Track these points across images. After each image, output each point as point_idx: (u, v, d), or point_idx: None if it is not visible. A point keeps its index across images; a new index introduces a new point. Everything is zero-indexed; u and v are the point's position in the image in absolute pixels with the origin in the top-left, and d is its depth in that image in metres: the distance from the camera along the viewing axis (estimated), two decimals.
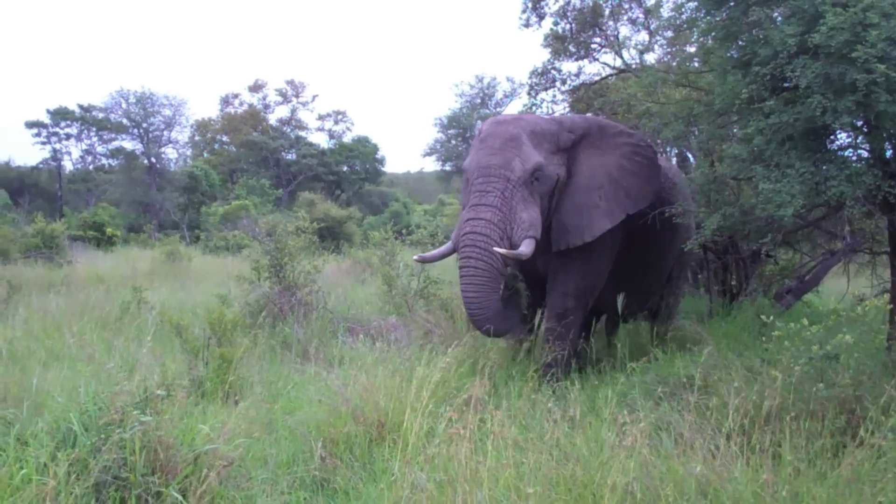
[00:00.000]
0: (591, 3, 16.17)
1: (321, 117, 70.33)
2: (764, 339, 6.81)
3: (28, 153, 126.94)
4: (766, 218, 7.95)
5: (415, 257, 8.95)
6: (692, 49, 13.01)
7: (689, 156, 15.21)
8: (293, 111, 69.57)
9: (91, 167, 62.38)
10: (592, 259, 8.78)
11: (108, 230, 36.22)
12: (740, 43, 8.07)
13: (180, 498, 4.59)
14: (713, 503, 4.54)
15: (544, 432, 5.37)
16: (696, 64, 10.72)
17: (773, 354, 6.67)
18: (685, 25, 9.72)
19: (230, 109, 69.89)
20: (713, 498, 4.56)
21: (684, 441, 5.16)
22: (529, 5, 16.88)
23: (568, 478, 4.72)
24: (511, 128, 8.35)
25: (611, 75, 16.69)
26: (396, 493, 4.70)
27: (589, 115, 10.90)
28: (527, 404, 6.11)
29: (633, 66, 15.57)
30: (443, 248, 8.62)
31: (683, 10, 9.42)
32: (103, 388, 5.54)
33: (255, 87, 69.61)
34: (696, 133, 10.95)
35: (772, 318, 6.46)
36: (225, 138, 68.77)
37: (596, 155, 8.76)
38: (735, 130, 9.57)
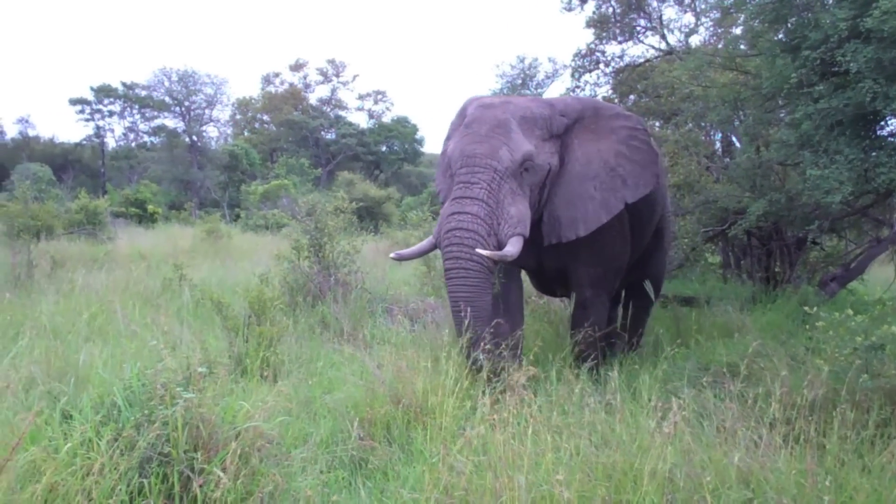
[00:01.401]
0: None
1: (361, 97, 70.57)
2: (808, 327, 6.71)
3: (72, 130, 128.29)
4: (812, 204, 7.88)
5: (391, 255, 7.89)
6: (739, 32, 12.85)
7: (735, 140, 15.04)
8: (333, 91, 69.74)
9: (133, 144, 62.95)
10: (602, 245, 8.08)
11: (150, 207, 36.60)
12: (789, 26, 7.96)
13: (222, 474, 4.60)
14: (755, 492, 4.48)
15: (583, 418, 5.33)
16: (744, 47, 10.56)
17: (817, 343, 6.59)
18: (732, 7, 9.60)
19: (271, 88, 70.20)
20: (755, 487, 4.50)
21: (726, 430, 5.09)
22: None
23: (607, 464, 4.68)
24: (499, 112, 7.50)
25: (655, 58, 16.55)
26: (435, 475, 4.67)
27: (587, 97, 10.21)
28: (566, 389, 6.07)
29: (678, 49, 15.42)
30: (423, 244, 7.70)
31: None
32: (146, 364, 5.56)
33: (296, 67, 69.82)
34: (743, 117, 10.83)
35: (816, 307, 6.35)
36: (265, 117, 69.13)
37: (591, 140, 7.97)
38: (783, 115, 9.45)
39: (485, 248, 6.89)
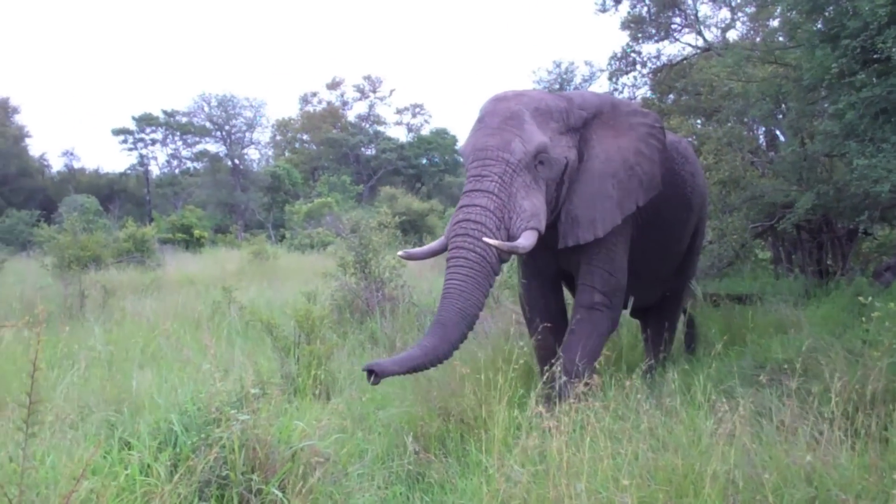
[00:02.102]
0: None
1: (399, 111, 70.84)
2: (864, 319, 6.61)
3: (116, 160, 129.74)
4: (861, 194, 7.75)
5: (399, 253, 7.37)
6: (777, 24, 12.73)
7: (779, 134, 14.89)
8: (371, 106, 70.14)
9: (177, 171, 63.73)
10: (615, 251, 7.56)
11: (196, 232, 37.00)
12: (827, 15, 7.87)
13: (280, 495, 4.61)
14: (818, 490, 4.41)
15: (640, 422, 5.28)
16: (782, 39, 10.47)
17: (874, 336, 6.48)
18: (768, 0, 9.51)
19: (309, 108, 70.78)
20: (818, 484, 4.43)
21: (786, 428, 5.03)
22: None
23: (667, 467, 4.63)
24: (512, 104, 7.05)
25: (693, 55, 16.43)
26: (492, 486, 4.65)
27: (603, 93, 9.75)
28: (620, 393, 6.01)
29: (716, 45, 15.30)
30: (434, 244, 7.14)
31: None
32: (200, 388, 5.60)
33: (333, 85, 70.31)
34: (785, 111, 10.73)
35: (871, 298, 6.24)
36: (305, 137, 69.68)
37: (610, 136, 7.51)
38: (825, 106, 9.34)
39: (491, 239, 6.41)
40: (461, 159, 7.45)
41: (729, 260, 12.81)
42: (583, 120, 7.38)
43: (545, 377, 6.16)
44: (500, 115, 6.96)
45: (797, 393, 5.36)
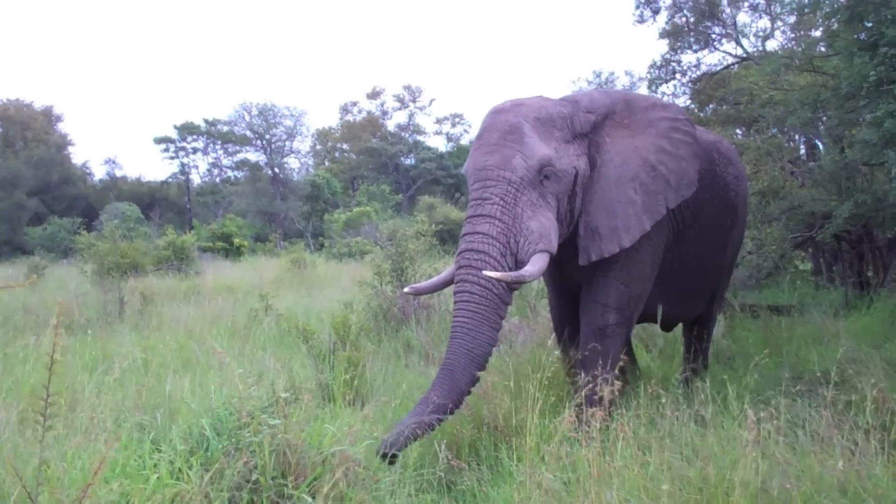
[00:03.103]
0: None
1: (439, 121, 71.12)
2: None
3: (157, 168, 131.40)
4: None
5: (406, 289, 6.98)
6: (817, 33, 12.65)
7: (818, 143, 14.77)
8: (411, 116, 70.35)
9: (217, 179, 64.22)
10: (637, 261, 6.99)
11: (236, 240, 37.26)
12: (867, 24, 7.79)
13: (310, 500, 4.61)
14: (852, 500, 4.36)
15: (672, 431, 5.23)
16: (822, 48, 10.39)
17: None
18: (808, 9, 9.45)
19: (349, 117, 71.11)
20: (853, 496, 4.37)
21: (821, 438, 4.96)
22: (643, 0, 16.75)
23: (699, 476, 4.59)
24: (510, 116, 6.53)
25: (732, 64, 16.37)
26: (524, 494, 4.63)
27: (616, 89, 9.06)
28: (653, 402, 5.96)
29: (755, 54, 15.21)
30: (442, 275, 6.72)
31: None
32: (233, 393, 5.62)
33: (373, 94, 70.58)
34: (824, 119, 10.64)
35: None
36: (345, 146, 69.99)
37: (626, 137, 6.92)
38: (864, 115, 9.25)
39: (497, 270, 6.01)
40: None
41: (768, 271, 12.70)
42: (591, 124, 6.84)
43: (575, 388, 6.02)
44: (499, 129, 6.50)
45: (833, 403, 5.30)
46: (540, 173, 6.29)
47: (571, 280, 7.23)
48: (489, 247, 6.07)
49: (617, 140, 6.88)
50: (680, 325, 8.84)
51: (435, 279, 6.76)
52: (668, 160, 6.88)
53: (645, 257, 7.01)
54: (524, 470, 4.91)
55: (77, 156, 69.45)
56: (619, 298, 6.88)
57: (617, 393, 5.38)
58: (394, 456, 5.37)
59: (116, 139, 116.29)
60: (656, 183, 6.80)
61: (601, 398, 5.31)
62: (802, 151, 15.47)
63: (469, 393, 5.91)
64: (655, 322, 7.89)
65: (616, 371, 6.11)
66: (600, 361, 6.24)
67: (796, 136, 15.02)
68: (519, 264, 6.14)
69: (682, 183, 6.89)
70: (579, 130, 6.73)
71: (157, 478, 4.68)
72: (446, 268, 6.78)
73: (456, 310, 6.10)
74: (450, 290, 6.47)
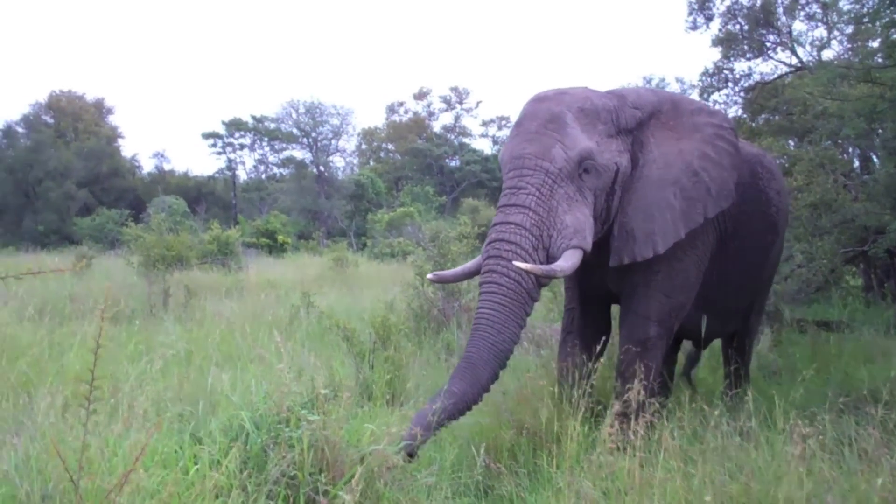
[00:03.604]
0: (761, 1, 15.71)
1: (485, 123, 71.04)
2: None
3: (205, 163, 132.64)
4: None
5: (429, 276, 6.83)
6: (875, 44, 12.45)
7: (873, 155, 14.56)
8: (457, 118, 70.47)
9: (263, 176, 64.70)
10: (679, 270, 6.68)
11: (280, 237, 37.53)
12: None
13: (347, 497, 4.59)
14: None
15: (716, 444, 5.15)
16: (879, 59, 10.21)
17: None
18: (867, 19, 9.30)
19: (395, 118, 71.41)
20: None
21: (868, 457, 4.86)
22: (696, 7, 16.64)
23: (742, 492, 4.51)
24: (553, 105, 6.21)
25: (786, 73, 16.18)
26: (562, 502, 4.58)
27: (663, 90, 8.53)
28: (696, 414, 5.88)
29: (810, 64, 15.03)
30: (469, 264, 6.45)
31: (865, 2, 8.99)
32: (273, 388, 5.61)
33: (420, 95, 70.83)
34: (880, 131, 10.47)
35: None
36: (390, 146, 70.27)
37: (671, 139, 6.60)
38: None
39: (527, 262, 5.73)
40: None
41: (818, 285, 12.54)
42: (637, 120, 6.54)
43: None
44: (540, 117, 6.20)
45: (882, 422, 5.19)
46: (580, 166, 6.01)
47: (598, 285, 6.86)
48: (521, 238, 5.81)
49: (661, 141, 6.59)
50: (718, 341, 8.59)
51: (461, 268, 6.53)
52: (711, 167, 6.58)
53: (689, 266, 6.73)
54: (563, 477, 4.86)
55: (126, 148, 70.30)
56: (660, 310, 6.60)
57: (658, 404, 5.31)
58: (414, 450, 5.24)
59: (165, 133, 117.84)
60: (697, 189, 6.50)
61: (643, 409, 5.23)
62: (856, 164, 15.27)
63: (489, 390, 5.71)
64: (689, 338, 7.75)
65: (657, 382, 6.16)
66: (642, 373, 5.88)
67: (850, 148, 14.83)
68: (550, 259, 5.87)
69: (722, 193, 6.58)
70: (624, 126, 6.44)
71: (197, 468, 4.68)
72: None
73: (482, 300, 5.83)
74: None
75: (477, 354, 5.61)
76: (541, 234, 5.83)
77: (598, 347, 6.51)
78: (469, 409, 5.60)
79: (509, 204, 5.96)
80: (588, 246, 5.96)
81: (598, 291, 6.93)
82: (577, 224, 5.92)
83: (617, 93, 6.65)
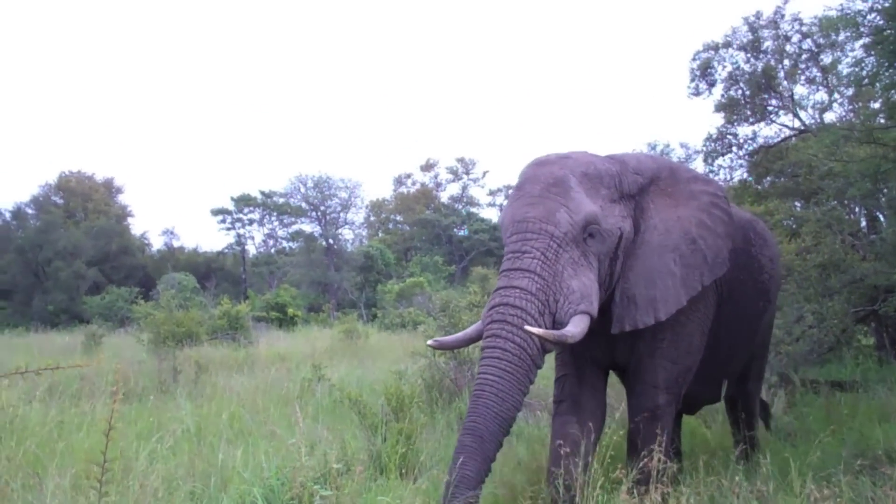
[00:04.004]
0: (762, 67, 15.87)
1: (492, 192, 71.37)
2: None
3: (214, 239, 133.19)
4: None
5: (429, 342, 6.53)
6: (876, 105, 12.54)
7: (879, 215, 14.57)
8: (464, 188, 70.98)
9: (272, 250, 64.90)
10: (684, 336, 6.61)
11: (290, 310, 37.54)
12: None
13: None
14: None
15: None
16: (881, 119, 10.27)
17: None
18: (867, 81, 9.38)
19: (403, 189, 71.99)
20: None
21: None
22: (698, 73, 16.82)
23: None
24: (556, 169, 6.15)
25: (790, 137, 16.27)
26: None
27: (659, 155, 8.34)
28: (713, 479, 5.82)
29: (813, 126, 15.12)
30: (468, 330, 6.28)
31: (864, 65, 9.08)
32: (285, 463, 5.58)
33: (427, 167, 71.44)
34: (885, 191, 10.50)
35: None
36: (399, 217, 70.65)
37: (669, 206, 6.58)
38: None
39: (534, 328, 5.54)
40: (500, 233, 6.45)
41: (830, 345, 12.47)
42: (638, 186, 6.50)
43: (554, 478, 5.76)
44: (543, 181, 6.08)
45: None
46: (584, 230, 5.89)
47: (598, 352, 6.63)
48: (527, 303, 5.63)
49: (661, 208, 6.54)
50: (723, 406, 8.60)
51: (462, 333, 6.37)
52: (708, 235, 6.55)
53: (693, 330, 6.68)
54: None
55: (136, 226, 70.78)
56: (667, 377, 6.51)
57: (674, 469, 5.24)
58: None
59: (175, 210, 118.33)
60: (695, 257, 6.45)
61: (658, 477, 5.16)
62: (863, 224, 15.27)
63: (494, 459, 5.53)
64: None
65: (669, 449, 5.96)
66: (653, 442, 5.88)
67: (856, 209, 14.85)
68: (556, 325, 5.69)
69: (717, 261, 6.55)
70: (626, 191, 6.39)
71: None
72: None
73: (484, 366, 5.62)
74: None
75: (483, 426, 5.43)
76: (547, 300, 5.68)
77: (596, 423, 6.36)
78: (481, 485, 5.42)
79: (513, 268, 5.81)
80: (595, 311, 5.81)
81: (595, 359, 6.70)
82: (583, 289, 5.78)
83: (618, 158, 6.61)
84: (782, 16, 16.15)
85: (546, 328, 5.61)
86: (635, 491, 4.99)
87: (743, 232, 7.32)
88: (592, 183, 6.13)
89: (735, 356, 7.66)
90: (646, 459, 5.61)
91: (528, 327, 5.47)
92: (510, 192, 6.53)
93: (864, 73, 9.14)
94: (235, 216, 61.86)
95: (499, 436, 5.46)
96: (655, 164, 6.77)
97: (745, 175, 17.50)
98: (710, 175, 17.08)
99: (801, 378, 11.29)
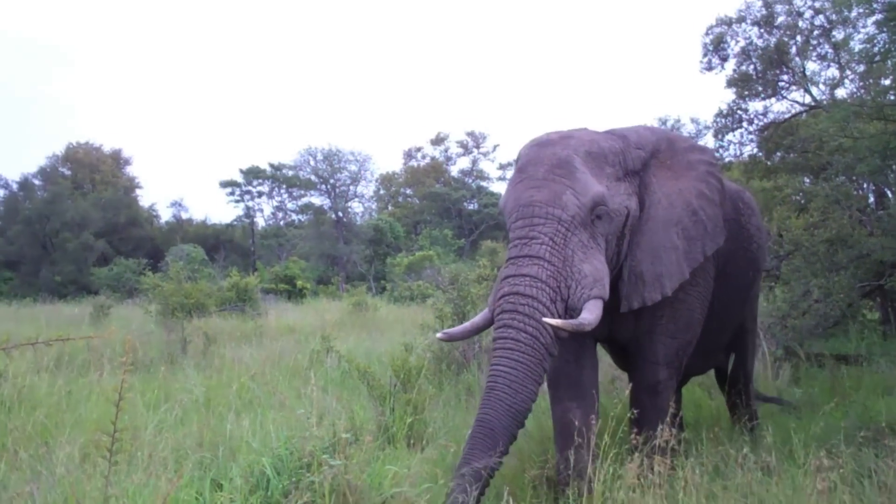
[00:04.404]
0: (775, 42, 15.78)
1: (502, 167, 71.23)
2: None
3: (223, 211, 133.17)
4: None
5: (438, 335, 6.32)
6: (886, 81, 12.49)
7: (887, 191, 14.54)
8: (474, 162, 70.82)
9: (282, 223, 64.95)
10: (683, 310, 6.55)
11: (299, 283, 37.63)
12: None
13: None
14: None
15: (737, 480, 5.12)
16: (892, 96, 10.24)
17: None
18: (878, 57, 9.34)
19: (413, 163, 71.83)
20: None
21: (888, 489, 4.83)
22: (711, 48, 16.74)
23: None
24: (559, 149, 5.96)
25: (800, 112, 16.21)
26: None
27: (655, 126, 7.99)
28: (718, 451, 5.85)
29: (824, 102, 15.07)
30: (476, 319, 6.11)
31: (876, 41, 9.04)
32: (294, 433, 5.63)
33: (437, 140, 71.26)
34: (894, 167, 10.48)
35: None
36: (408, 191, 70.56)
37: (670, 178, 6.45)
38: None
39: (545, 316, 5.42)
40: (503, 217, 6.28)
41: (835, 320, 12.47)
42: (642, 161, 6.36)
43: (563, 461, 5.73)
44: (546, 162, 5.90)
45: None
46: (592, 212, 5.73)
47: (598, 330, 6.07)
48: (538, 291, 5.48)
49: (662, 181, 6.41)
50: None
51: (470, 323, 6.17)
52: (707, 206, 6.46)
53: (693, 303, 6.62)
54: None
55: (144, 198, 70.48)
56: (667, 353, 6.48)
57: (677, 442, 5.25)
58: None
59: (183, 182, 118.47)
60: (697, 228, 6.37)
61: (662, 450, 5.16)
62: (871, 200, 15.24)
63: (507, 452, 5.37)
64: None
65: (670, 420, 5.86)
66: (656, 416, 5.96)
67: (865, 185, 14.81)
68: (570, 311, 5.56)
69: (717, 230, 6.48)
70: (631, 168, 6.24)
71: None
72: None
73: (496, 357, 5.48)
74: None
75: (495, 418, 5.29)
76: (558, 286, 5.53)
77: (594, 401, 6.20)
78: (483, 491, 5.20)
79: (521, 255, 5.65)
80: (607, 295, 5.67)
81: (593, 334, 6.35)
82: (595, 273, 5.63)
83: (619, 133, 6.47)
84: None
85: (559, 315, 5.50)
86: (643, 462, 5.00)
87: (732, 202, 7.22)
88: (597, 162, 5.98)
89: (725, 328, 7.57)
90: (650, 433, 5.53)
91: (547, 319, 5.34)
92: (511, 173, 6.34)
93: (876, 49, 9.11)
94: (244, 188, 61.85)
95: (512, 429, 5.32)
96: (654, 137, 6.63)
97: (755, 150, 17.46)
98: (720, 150, 17.07)
99: (807, 351, 11.32)
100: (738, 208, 7.36)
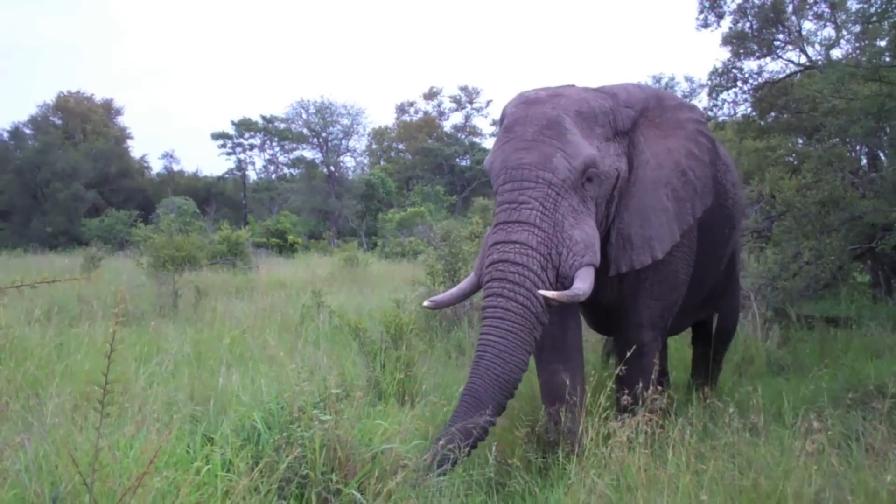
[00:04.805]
0: (772, 0, 15.70)
1: (495, 123, 70.94)
2: None
3: (214, 164, 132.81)
4: None
5: (425, 303, 6.16)
6: (882, 43, 12.44)
7: (880, 153, 14.55)
8: (467, 117, 70.70)
9: (273, 176, 64.76)
10: (668, 273, 6.39)
11: (290, 237, 37.63)
12: None
13: (359, 496, 4.61)
14: None
15: (725, 440, 5.16)
16: (887, 58, 10.20)
17: None
18: (875, 18, 9.30)
19: (406, 117, 71.52)
20: None
21: (876, 452, 4.86)
22: (707, 4, 16.63)
23: (750, 487, 4.52)
24: (548, 109, 5.70)
25: (795, 73, 16.16)
26: (574, 497, 4.59)
27: (645, 83, 7.71)
28: (706, 411, 5.88)
29: (819, 63, 15.02)
30: (463, 285, 6.00)
31: (873, 2, 9.00)
32: (285, 388, 5.64)
33: (430, 95, 70.96)
34: (887, 130, 10.47)
35: None
36: (401, 146, 70.40)
37: (659, 137, 6.23)
38: None
39: (538, 287, 5.29)
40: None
41: (825, 282, 12.52)
42: (631, 120, 6.14)
43: (552, 421, 5.75)
44: (535, 122, 5.68)
45: (888, 417, 5.20)
46: (583, 175, 5.55)
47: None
48: (528, 259, 5.33)
49: (651, 140, 6.22)
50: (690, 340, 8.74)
51: (457, 289, 6.04)
52: (696, 166, 6.30)
53: (678, 265, 6.46)
54: (576, 472, 4.88)
55: (135, 149, 70.27)
56: (651, 315, 6.41)
57: (664, 402, 5.26)
58: None
59: (175, 134, 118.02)
60: (686, 189, 6.21)
61: (651, 409, 5.16)
62: (864, 162, 15.26)
63: (494, 423, 5.33)
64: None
65: (655, 380, 5.73)
66: (641, 376, 5.69)
67: (858, 146, 14.82)
68: (561, 279, 5.44)
69: (706, 190, 6.34)
70: (620, 128, 6.04)
71: (208, 469, 4.70)
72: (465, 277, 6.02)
73: (486, 326, 5.35)
74: None
75: (481, 387, 5.25)
76: (549, 253, 5.39)
77: (580, 362, 6.27)
78: (474, 446, 5.24)
79: (510, 220, 5.47)
80: (598, 261, 5.56)
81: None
82: (586, 239, 5.50)
83: (608, 91, 6.24)
84: None
85: (550, 283, 5.39)
86: (631, 420, 5.02)
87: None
88: (587, 122, 5.79)
89: (704, 283, 7.36)
90: (636, 391, 5.43)
91: (541, 291, 5.24)
92: (497, 132, 6.13)
93: (873, 10, 9.08)
94: (236, 141, 61.65)
95: (498, 397, 5.27)
96: (644, 94, 6.41)
97: (749, 110, 17.41)
98: (714, 109, 17.02)
99: (797, 313, 11.36)
100: (714, 163, 7.01)
